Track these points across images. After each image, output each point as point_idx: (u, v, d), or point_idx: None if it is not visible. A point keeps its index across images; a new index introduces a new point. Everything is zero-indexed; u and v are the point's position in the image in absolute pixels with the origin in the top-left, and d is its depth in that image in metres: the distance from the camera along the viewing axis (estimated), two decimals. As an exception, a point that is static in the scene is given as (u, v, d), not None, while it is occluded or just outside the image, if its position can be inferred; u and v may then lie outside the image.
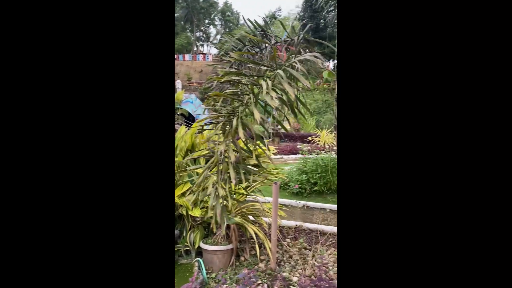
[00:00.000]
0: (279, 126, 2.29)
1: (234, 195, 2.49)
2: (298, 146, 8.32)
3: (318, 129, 11.43)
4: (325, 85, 17.02)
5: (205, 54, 26.33)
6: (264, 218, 2.88)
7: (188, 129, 3.10)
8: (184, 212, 2.50)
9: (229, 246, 2.36)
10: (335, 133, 7.78)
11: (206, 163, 2.22)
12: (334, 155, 4.99)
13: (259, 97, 1.76)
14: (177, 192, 2.52)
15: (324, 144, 9.18)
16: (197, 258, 2.38)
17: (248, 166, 2.09)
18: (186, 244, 2.50)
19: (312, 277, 2.08)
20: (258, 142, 1.98)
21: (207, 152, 2.32)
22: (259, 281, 2.08)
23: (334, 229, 3.18)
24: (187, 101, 14.36)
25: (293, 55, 1.88)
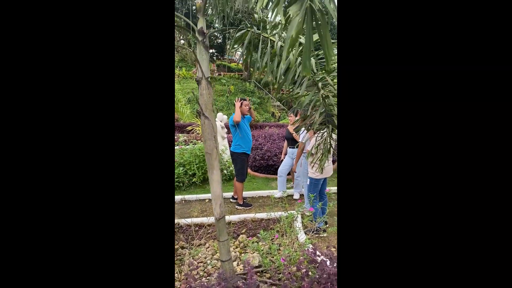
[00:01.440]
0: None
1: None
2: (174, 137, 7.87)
3: (197, 118, 11.25)
4: (202, 74, 16.85)
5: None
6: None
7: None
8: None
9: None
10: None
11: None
12: (210, 143, 4.93)
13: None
14: None
15: (203, 133, 9.10)
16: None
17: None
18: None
19: (189, 278, 1.90)
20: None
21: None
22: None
23: (211, 219, 3.11)
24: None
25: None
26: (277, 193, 4.01)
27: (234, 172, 3.71)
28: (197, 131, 9.20)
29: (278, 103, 16.39)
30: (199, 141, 5.45)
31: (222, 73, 18.86)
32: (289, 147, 3.96)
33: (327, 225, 3.13)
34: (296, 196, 4.04)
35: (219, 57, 22.09)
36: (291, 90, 1.79)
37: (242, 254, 2.42)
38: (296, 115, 3.83)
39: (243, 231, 2.93)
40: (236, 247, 2.59)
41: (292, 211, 3.23)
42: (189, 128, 9.35)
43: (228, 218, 3.19)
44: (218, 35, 19.56)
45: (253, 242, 2.36)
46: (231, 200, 3.93)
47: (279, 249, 2.37)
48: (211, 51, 20.49)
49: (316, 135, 2.81)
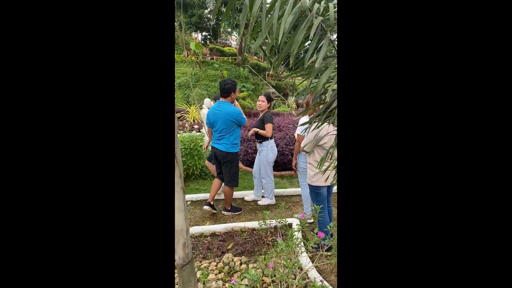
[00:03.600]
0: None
1: None
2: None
3: (186, 104, 10.51)
4: (193, 58, 15.94)
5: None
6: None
7: None
8: None
9: None
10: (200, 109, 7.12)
11: None
12: (195, 133, 4.30)
13: None
14: None
15: (193, 120, 8.50)
16: None
17: None
18: None
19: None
20: None
21: None
22: None
23: (193, 229, 2.53)
24: None
25: None
26: (250, 195, 3.45)
27: (224, 176, 3.05)
28: (186, 118, 8.53)
29: (274, 89, 15.65)
30: (181, 131, 4.82)
31: (215, 57, 17.90)
32: (257, 141, 3.25)
33: (332, 238, 2.59)
34: (262, 202, 3.36)
35: (212, 40, 20.99)
36: (300, 65, 1.17)
37: (226, 285, 1.87)
38: (269, 100, 3.17)
39: (229, 246, 2.36)
40: (220, 272, 2.03)
41: (289, 219, 2.69)
42: (178, 115, 8.68)
43: (211, 228, 2.62)
44: (211, 17, 18.40)
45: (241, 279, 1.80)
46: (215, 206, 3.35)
47: (275, 277, 1.83)
48: (204, 33, 19.37)
49: (314, 128, 2.18)
